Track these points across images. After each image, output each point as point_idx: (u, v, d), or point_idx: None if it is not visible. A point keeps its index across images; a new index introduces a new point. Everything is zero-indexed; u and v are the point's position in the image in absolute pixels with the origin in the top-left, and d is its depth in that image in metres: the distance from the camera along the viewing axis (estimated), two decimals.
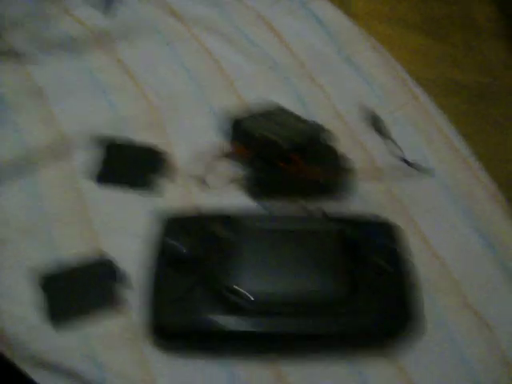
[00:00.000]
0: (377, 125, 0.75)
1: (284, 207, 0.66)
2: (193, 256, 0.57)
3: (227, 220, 0.60)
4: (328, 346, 0.57)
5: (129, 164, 0.67)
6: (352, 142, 0.74)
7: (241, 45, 0.80)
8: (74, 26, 0.79)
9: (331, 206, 0.67)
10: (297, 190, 0.66)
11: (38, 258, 0.60)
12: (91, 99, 0.72)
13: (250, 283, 0.56)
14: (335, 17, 0.86)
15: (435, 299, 0.63)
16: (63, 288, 0.58)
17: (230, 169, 0.69)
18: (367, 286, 0.58)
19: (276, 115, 0.70)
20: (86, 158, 0.67)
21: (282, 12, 0.86)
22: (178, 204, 0.65)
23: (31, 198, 0.64)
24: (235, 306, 0.55)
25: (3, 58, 0.73)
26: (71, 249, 0.61)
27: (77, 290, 0.58)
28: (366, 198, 0.69)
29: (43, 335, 0.56)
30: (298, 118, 0.69)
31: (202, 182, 0.66)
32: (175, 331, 0.55)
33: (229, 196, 0.67)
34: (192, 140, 0.71)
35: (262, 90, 0.77)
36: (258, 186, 0.66)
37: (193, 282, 0.56)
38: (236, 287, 0.55)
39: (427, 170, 0.66)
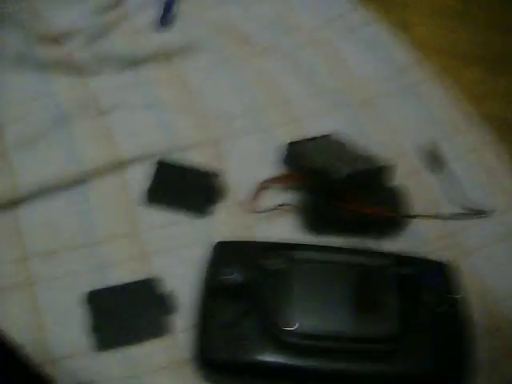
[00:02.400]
0: (436, 162, 0.73)
1: (338, 241, 0.65)
2: (242, 285, 0.56)
3: (279, 249, 0.58)
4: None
5: (180, 184, 0.66)
6: (410, 178, 0.71)
7: (299, 68, 0.79)
8: (132, 37, 0.78)
9: (386, 243, 0.66)
10: (353, 225, 0.64)
11: (86, 274, 0.60)
12: (146, 113, 0.71)
13: (299, 318, 0.54)
14: (394, 43, 0.84)
15: (488, 341, 0.60)
16: (109, 306, 0.58)
17: (284, 196, 0.67)
18: (419, 328, 0.56)
19: (334, 144, 0.68)
20: (138, 176, 0.66)
21: (340, 34, 0.84)
22: (229, 228, 0.64)
23: (81, 214, 0.63)
24: (283, 341, 0.53)
25: (61, 65, 0.73)
26: (119, 267, 0.60)
27: (124, 311, 0.57)
28: (422, 236, 0.67)
29: (86, 354, 0.55)
30: (356, 150, 0.68)
31: (255, 207, 0.65)
32: (220, 361, 0.53)
33: (281, 224, 0.65)
34: (246, 163, 0.70)
35: (320, 115, 0.75)
36: (313, 219, 0.64)
37: (241, 311, 0.54)
38: (284, 321, 0.54)
39: (489, 212, 0.64)
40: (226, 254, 0.59)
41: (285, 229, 0.65)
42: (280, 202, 0.65)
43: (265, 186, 0.66)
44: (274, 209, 0.65)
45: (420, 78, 0.81)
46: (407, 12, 0.91)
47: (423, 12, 0.93)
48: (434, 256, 0.64)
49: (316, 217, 0.64)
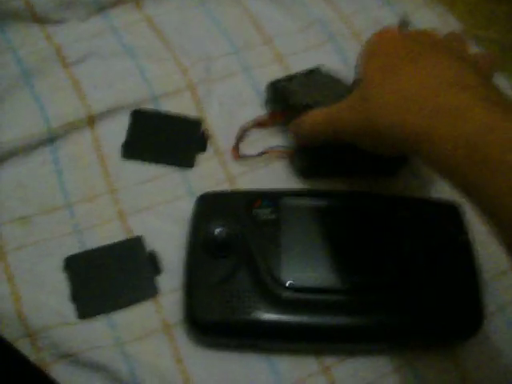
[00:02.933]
0: None
1: (332, 184, 0.60)
2: (231, 239, 0.51)
3: (268, 198, 0.54)
4: (376, 337, 0.52)
5: (159, 135, 0.61)
6: None
7: (283, 3, 0.73)
8: None
9: (385, 185, 0.61)
10: (347, 166, 0.60)
11: (63, 238, 0.56)
12: (117, 62, 0.66)
13: (294, 271, 0.51)
14: None
15: (494, 286, 0.57)
16: (91, 271, 0.54)
17: (272, 140, 0.62)
18: (427, 274, 0.52)
19: (319, 79, 0.63)
20: (112, 129, 0.61)
21: None
22: (212, 178, 0.60)
23: (54, 175, 0.59)
24: (278, 296, 0.50)
25: (21, 17, 0.67)
26: (99, 228, 0.56)
27: (106, 275, 0.54)
28: (422, 176, 0.63)
29: (67, 322, 0.52)
30: (346, 84, 0.62)
31: (239, 153, 0.61)
32: (211, 322, 0.50)
33: (268, 172, 0.61)
34: (227, 108, 0.64)
35: (303, 48, 0.70)
36: (304, 161, 0.59)
37: (231, 268, 0.51)
38: (277, 274, 0.50)
39: None
40: (211, 206, 0.55)
41: (272, 177, 0.61)
42: (267, 147, 0.61)
43: (248, 129, 0.62)
44: (262, 153, 0.60)
45: (412, 8, 0.75)
46: None
47: None
48: (436, 197, 0.60)
49: (307, 158, 0.59)
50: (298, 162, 0.60)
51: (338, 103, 0.52)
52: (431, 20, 0.74)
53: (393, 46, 0.50)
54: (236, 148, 0.61)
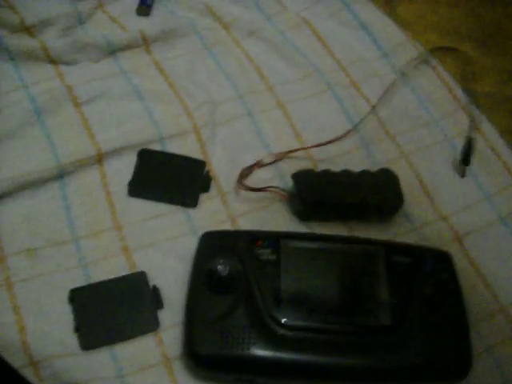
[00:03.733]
0: None
1: (330, 227, 0.63)
2: (231, 276, 0.54)
3: (267, 239, 0.56)
4: (369, 377, 0.53)
5: (164, 174, 0.64)
6: (400, 161, 0.69)
7: (282, 49, 0.77)
8: (109, 25, 0.76)
9: (378, 229, 0.64)
10: (344, 212, 0.63)
11: (68, 271, 0.57)
12: (125, 103, 0.69)
13: (290, 310, 0.53)
14: (380, 21, 0.82)
15: (482, 328, 0.59)
16: (94, 304, 0.55)
17: (269, 182, 0.65)
18: (415, 318, 0.54)
19: None
20: (119, 167, 0.64)
21: (324, 15, 0.82)
22: (214, 217, 0.62)
23: (61, 209, 0.61)
24: (274, 334, 0.52)
25: (35, 57, 0.70)
26: (103, 262, 0.58)
27: (110, 308, 0.55)
28: (414, 220, 0.65)
29: (71, 354, 0.53)
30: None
31: (240, 193, 0.63)
32: (210, 356, 0.51)
33: (268, 214, 0.63)
34: (230, 149, 0.67)
35: (303, 96, 0.73)
36: (299, 206, 0.62)
37: (230, 303, 0.53)
38: (274, 312, 0.52)
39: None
40: (213, 244, 0.57)
41: (272, 218, 0.63)
42: (268, 188, 0.63)
43: (251, 173, 0.65)
44: (262, 189, 0.63)
45: (407, 58, 0.79)
46: None
47: None
48: (427, 240, 0.63)
49: (303, 203, 0.61)
50: (294, 206, 0.63)
51: None
52: (425, 73, 0.78)
53: None
54: (240, 180, 0.63)
